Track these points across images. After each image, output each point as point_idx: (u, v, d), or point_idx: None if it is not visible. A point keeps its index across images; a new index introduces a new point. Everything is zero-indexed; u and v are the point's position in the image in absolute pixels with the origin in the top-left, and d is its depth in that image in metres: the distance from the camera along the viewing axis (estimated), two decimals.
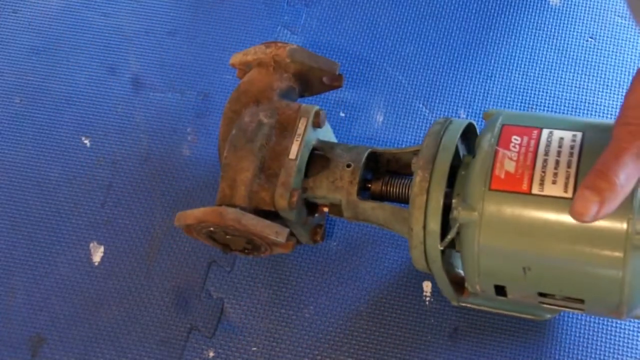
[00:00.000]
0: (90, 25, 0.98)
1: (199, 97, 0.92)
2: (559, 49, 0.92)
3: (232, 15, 0.97)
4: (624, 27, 0.93)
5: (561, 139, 0.62)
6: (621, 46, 0.92)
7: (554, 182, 0.60)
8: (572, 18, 0.94)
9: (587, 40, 0.92)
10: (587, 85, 0.90)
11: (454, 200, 0.65)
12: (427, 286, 0.80)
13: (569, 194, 0.59)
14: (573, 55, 0.92)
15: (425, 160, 0.66)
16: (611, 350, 0.76)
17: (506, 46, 0.92)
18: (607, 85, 0.90)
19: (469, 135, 0.71)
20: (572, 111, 0.88)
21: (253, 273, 0.82)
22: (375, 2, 0.96)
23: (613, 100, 0.89)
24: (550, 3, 0.95)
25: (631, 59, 0.91)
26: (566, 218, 0.59)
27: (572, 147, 0.61)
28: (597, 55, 0.91)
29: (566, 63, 0.91)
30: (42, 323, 0.81)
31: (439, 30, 0.94)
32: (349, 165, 0.71)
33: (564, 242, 0.60)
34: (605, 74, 0.90)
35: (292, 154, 0.71)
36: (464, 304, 0.75)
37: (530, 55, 0.92)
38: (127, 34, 0.97)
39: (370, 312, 0.80)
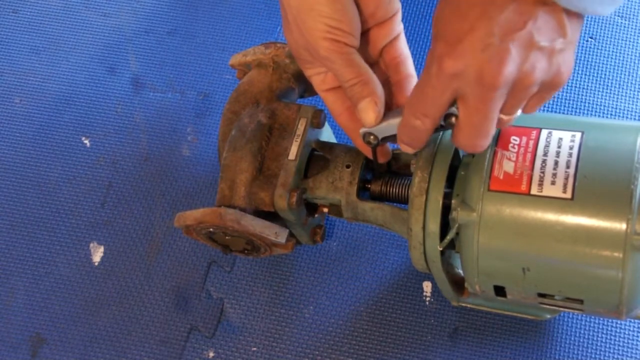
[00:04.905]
0: (90, 25, 0.98)
1: (199, 97, 0.92)
2: None
3: (232, 15, 0.97)
4: (624, 27, 0.93)
5: (560, 139, 0.62)
6: (621, 46, 0.92)
7: (552, 183, 0.60)
8: None
9: (587, 40, 0.92)
10: (587, 85, 0.90)
11: (453, 201, 0.65)
12: (427, 286, 0.80)
13: (568, 195, 0.59)
14: None
15: (425, 160, 0.66)
16: (611, 350, 0.76)
17: None
18: (607, 85, 0.89)
19: None
20: (572, 111, 0.88)
21: (253, 273, 0.82)
22: None
23: (613, 100, 0.88)
24: None
25: (631, 59, 0.91)
26: (566, 218, 0.59)
27: (571, 148, 0.61)
28: (597, 55, 0.91)
29: None
30: (42, 323, 0.81)
31: None
32: (348, 166, 0.71)
33: (563, 242, 0.60)
34: (605, 74, 0.90)
35: (292, 155, 0.71)
36: (463, 304, 0.75)
37: None
38: (127, 34, 0.97)
39: (370, 312, 0.80)
